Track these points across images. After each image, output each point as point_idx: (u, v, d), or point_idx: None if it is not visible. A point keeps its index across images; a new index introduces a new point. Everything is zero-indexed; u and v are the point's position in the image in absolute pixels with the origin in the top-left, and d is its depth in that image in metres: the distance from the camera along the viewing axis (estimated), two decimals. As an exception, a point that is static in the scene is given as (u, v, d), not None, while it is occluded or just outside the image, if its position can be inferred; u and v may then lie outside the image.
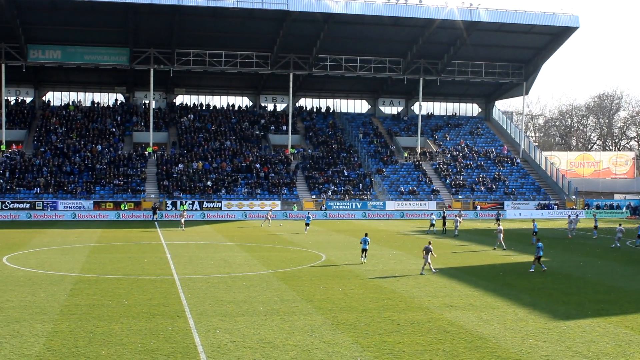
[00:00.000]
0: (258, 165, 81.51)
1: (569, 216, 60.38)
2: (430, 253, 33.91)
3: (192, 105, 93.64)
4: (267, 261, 37.71)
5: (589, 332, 21.81)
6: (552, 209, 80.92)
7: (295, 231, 57.24)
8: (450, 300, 26.90)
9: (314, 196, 77.74)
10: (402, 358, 18.71)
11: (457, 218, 57.47)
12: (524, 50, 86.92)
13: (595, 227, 56.30)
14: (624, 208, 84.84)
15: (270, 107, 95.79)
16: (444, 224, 57.81)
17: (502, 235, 45.13)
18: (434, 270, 33.97)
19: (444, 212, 62.60)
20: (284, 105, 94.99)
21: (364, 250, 37.91)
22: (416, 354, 19.13)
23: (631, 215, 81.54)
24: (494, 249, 44.91)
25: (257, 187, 77.59)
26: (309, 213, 63.53)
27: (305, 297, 27.02)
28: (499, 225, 48.83)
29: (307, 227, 56.40)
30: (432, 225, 58.11)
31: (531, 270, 35.09)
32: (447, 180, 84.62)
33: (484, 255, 42.44)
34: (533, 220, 53.55)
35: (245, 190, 77.02)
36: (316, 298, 26.93)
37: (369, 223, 66.91)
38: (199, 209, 72.16)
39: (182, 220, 58.65)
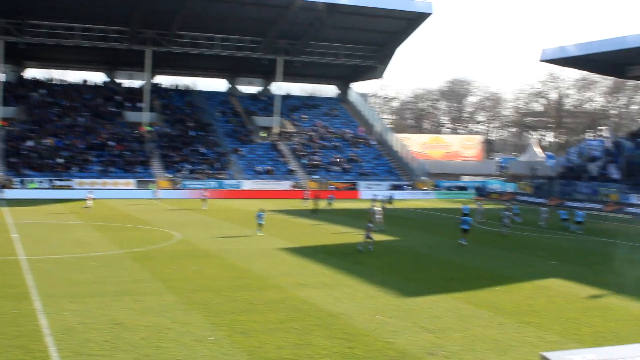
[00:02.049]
0: (112, 143, 79.50)
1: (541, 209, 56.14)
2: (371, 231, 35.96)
3: (44, 80, 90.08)
4: (120, 241, 36.96)
5: (434, 308, 22.67)
6: (404, 189, 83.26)
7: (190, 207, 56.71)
8: (304, 278, 27.29)
9: (169, 175, 76.69)
10: (254, 336, 18.85)
11: (479, 204, 56.94)
12: (380, 34, 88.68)
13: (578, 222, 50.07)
14: (471, 189, 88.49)
15: (126, 83, 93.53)
16: (315, 204, 58.21)
17: (379, 216, 45.53)
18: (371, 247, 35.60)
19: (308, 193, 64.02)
20: (141, 82, 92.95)
21: (260, 224, 41.70)
22: (268, 332, 19.32)
23: (478, 197, 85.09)
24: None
25: (111, 165, 75.69)
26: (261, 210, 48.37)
27: (159, 277, 26.72)
28: (381, 206, 49.15)
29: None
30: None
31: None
32: (304, 161, 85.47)
33: (337, 234, 43.21)
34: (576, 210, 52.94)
35: (99, 168, 75.00)
36: (170, 278, 26.69)
37: (225, 203, 66.69)
38: (49, 187, 69.67)
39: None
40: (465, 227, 39.29)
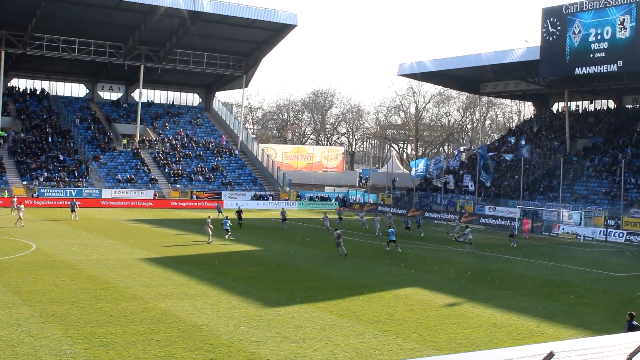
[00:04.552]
0: (-38, 148, 75.80)
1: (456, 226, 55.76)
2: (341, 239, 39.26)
3: None
4: (-30, 251, 35.28)
5: (297, 318, 22.85)
6: (268, 199, 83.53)
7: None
8: (165, 289, 26.89)
9: (25, 182, 73.78)
10: (114, 349, 18.41)
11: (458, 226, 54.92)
12: (245, 43, 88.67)
13: (512, 235, 50.64)
14: (334, 200, 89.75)
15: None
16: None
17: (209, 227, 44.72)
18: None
19: None
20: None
21: (227, 230, 45.76)
22: (128, 344, 18.92)
23: (340, 207, 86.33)
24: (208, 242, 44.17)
25: (-39, 172, 72.14)
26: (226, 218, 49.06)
27: (12, 289, 25.64)
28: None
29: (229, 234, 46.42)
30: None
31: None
32: (166, 169, 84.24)
33: (199, 245, 42.85)
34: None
35: (-53, 174, 71.29)
36: (24, 290, 25.66)
37: (84, 211, 64.80)
38: None
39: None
40: (392, 237, 42.83)
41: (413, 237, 51.95)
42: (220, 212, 65.13)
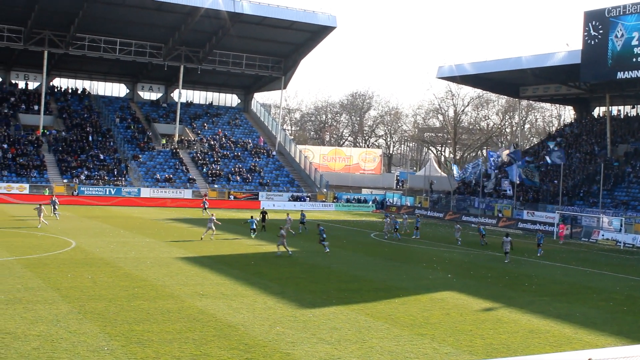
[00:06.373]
0: (5, 146, 76.89)
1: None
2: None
3: None
4: (11, 247, 35.76)
5: (332, 320, 22.81)
6: (305, 201, 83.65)
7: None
8: (202, 288, 27.03)
9: (65, 180, 74.75)
10: (151, 347, 18.54)
11: (458, 226, 54.57)
12: (284, 45, 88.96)
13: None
14: (370, 202, 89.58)
15: (21, 84, 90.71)
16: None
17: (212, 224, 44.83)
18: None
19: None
20: (37, 84, 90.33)
21: (253, 229, 47.05)
22: (165, 342, 19.03)
23: (377, 209, 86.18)
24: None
25: (4, 169, 73.19)
26: (252, 217, 49.61)
27: (52, 285, 25.97)
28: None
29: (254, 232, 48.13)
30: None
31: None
32: (204, 169, 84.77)
33: (236, 244, 43.05)
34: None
35: (-10, 171, 72.42)
36: (63, 286, 25.97)
37: (123, 210, 65.52)
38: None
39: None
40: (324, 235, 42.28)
41: (416, 237, 52.55)
42: (205, 209, 64.91)
